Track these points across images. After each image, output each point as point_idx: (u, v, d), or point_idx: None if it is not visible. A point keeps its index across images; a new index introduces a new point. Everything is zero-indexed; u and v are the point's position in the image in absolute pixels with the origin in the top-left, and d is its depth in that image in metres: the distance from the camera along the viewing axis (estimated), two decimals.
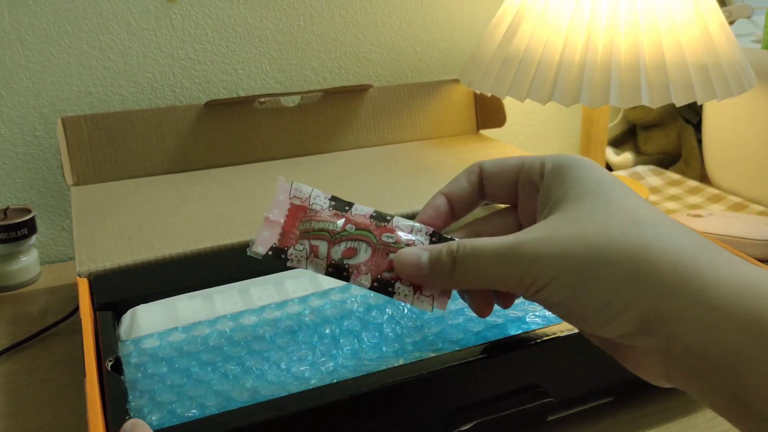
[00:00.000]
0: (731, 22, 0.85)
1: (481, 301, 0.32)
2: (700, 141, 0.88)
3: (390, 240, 0.32)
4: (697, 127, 0.91)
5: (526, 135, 0.90)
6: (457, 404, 0.35)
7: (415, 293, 0.31)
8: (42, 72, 0.63)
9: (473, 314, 0.33)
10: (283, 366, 0.35)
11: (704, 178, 0.87)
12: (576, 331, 0.35)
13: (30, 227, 0.58)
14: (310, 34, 0.73)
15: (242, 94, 0.72)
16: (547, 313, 0.39)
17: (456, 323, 0.39)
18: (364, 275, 0.31)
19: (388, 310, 0.39)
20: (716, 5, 0.61)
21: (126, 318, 0.39)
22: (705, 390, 0.25)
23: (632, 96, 0.56)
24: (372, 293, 0.34)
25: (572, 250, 0.26)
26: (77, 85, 0.65)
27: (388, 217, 0.33)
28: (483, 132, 0.75)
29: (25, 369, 0.48)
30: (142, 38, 0.66)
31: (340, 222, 0.32)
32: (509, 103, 0.77)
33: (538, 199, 0.31)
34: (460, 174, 0.34)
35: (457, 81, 0.73)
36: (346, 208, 0.33)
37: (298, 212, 0.32)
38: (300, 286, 0.42)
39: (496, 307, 0.33)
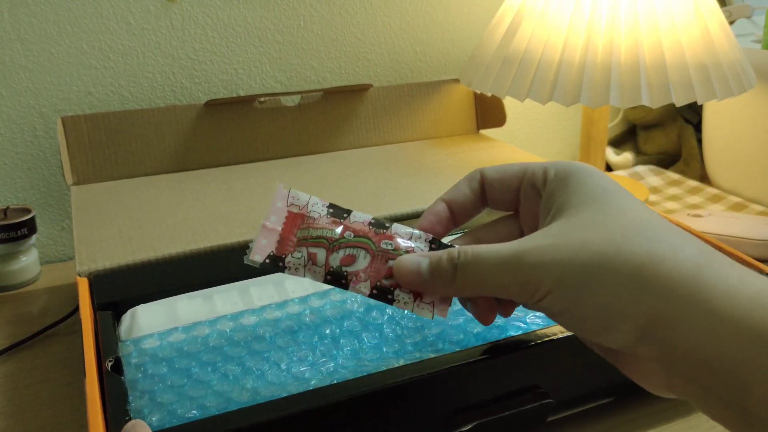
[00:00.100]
0: (731, 22, 0.85)
1: (484, 308, 0.31)
2: (700, 141, 0.88)
3: (389, 247, 0.32)
4: (697, 127, 0.91)
5: (526, 135, 0.90)
6: (457, 405, 0.35)
7: (415, 300, 0.31)
8: (42, 72, 0.63)
9: None
10: (283, 366, 0.35)
11: (704, 178, 0.87)
12: None
13: (30, 227, 0.58)
14: (310, 34, 0.73)
15: (242, 94, 0.72)
16: None
17: (456, 324, 0.39)
18: (363, 282, 0.31)
19: (389, 311, 0.39)
20: (716, 5, 0.61)
21: (126, 318, 0.39)
22: (708, 400, 0.25)
23: (632, 96, 0.56)
24: None
25: (577, 257, 0.26)
26: (77, 85, 0.65)
27: (387, 224, 0.33)
28: (483, 132, 0.75)
29: (25, 369, 0.48)
30: (142, 38, 0.66)
31: (339, 229, 0.32)
32: (509, 103, 0.77)
33: (541, 205, 0.31)
34: (461, 180, 0.34)
35: (457, 81, 0.73)
36: (344, 215, 0.33)
37: (296, 220, 0.32)
38: (300, 286, 0.42)
39: None
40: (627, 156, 0.91)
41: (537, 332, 0.36)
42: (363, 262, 0.31)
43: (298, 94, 0.67)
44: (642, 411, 0.41)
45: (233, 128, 0.64)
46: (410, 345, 0.37)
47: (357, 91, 0.69)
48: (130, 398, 0.32)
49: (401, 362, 0.35)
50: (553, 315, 0.28)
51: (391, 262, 0.31)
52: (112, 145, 0.60)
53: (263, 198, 0.55)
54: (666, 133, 0.93)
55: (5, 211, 0.59)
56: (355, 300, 0.40)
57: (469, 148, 0.69)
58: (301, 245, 0.32)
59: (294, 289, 0.42)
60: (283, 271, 0.31)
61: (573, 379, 0.38)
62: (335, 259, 0.31)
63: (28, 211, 0.59)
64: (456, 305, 0.39)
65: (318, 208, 0.33)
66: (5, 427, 0.42)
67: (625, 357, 0.27)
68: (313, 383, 0.34)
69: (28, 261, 0.60)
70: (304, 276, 0.31)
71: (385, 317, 0.39)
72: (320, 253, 0.31)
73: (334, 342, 0.37)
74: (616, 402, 0.41)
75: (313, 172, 0.62)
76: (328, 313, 0.39)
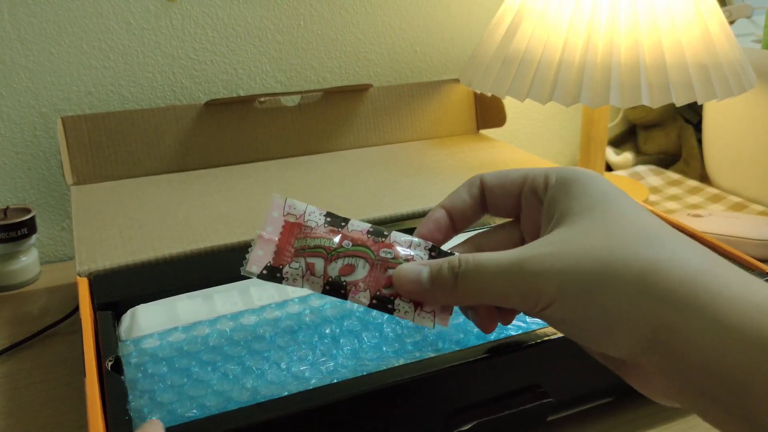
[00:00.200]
0: (731, 22, 0.85)
1: (485, 316, 0.31)
2: (700, 141, 0.88)
3: (388, 255, 0.31)
4: (697, 127, 0.91)
5: (526, 135, 0.90)
6: (457, 404, 0.35)
7: (415, 310, 0.31)
8: (42, 72, 0.63)
9: None
10: (283, 366, 0.35)
11: (704, 178, 0.87)
12: None
13: (30, 227, 0.58)
14: (310, 34, 0.73)
15: (242, 94, 0.72)
16: None
17: (456, 323, 0.39)
18: (362, 292, 0.31)
19: None
20: (716, 5, 0.61)
21: (126, 318, 0.39)
22: (712, 407, 0.24)
23: (632, 96, 0.56)
24: None
25: (579, 264, 0.26)
26: (77, 85, 0.65)
27: (386, 233, 0.32)
28: (483, 132, 0.75)
29: (25, 369, 0.48)
30: (142, 38, 0.66)
31: (337, 238, 0.31)
32: (509, 103, 0.77)
33: (542, 212, 0.30)
34: (461, 186, 0.34)
35: (457, 81, 0.73)
36: (342, 224, 0.32)
37: (293, 229, 0.32)
38: None
39: None
40: (627, 156, 0.91)
41: (537, 332, 0.36)
42: (362, 271, 0.31)
43: (298, 94, 0.67)
44: (642, 411, 0.41)
45: (233, 128, 0.64)
46: (410, 344, 0.37)
47: (357, 91, 0.69)
48: (130, 398, 0.32)
49: (401, 361, 0.35)
50: (555, 324, 0.27)
51: (390, 271, 0.31)
52: (112, 145, 0.60)
53: (263, 198, 0.55)
54: (666, 133, 0.93)
55: (5, 211, 0.59)
56: None
57: (469, 148, 0.69)
58: (298, 255, 0.31)
59: (294, 289, 0.42)
60: (280, 282, 0.31)
61: (573, 379, 0.38)
62: (334, 269, 0.31)
63: (28, 211, 0.59)
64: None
65: (315, 216, 0.32)
66: (5, 427, 0.42)
67: (630, 366, 0.27)
68: (313, 382, 0.34)
69: (28, 261, 0.60)
70: (302, 287, 0.31)
71: (385, 317, 0.39)
72: (318, 263, 0.31)
73: (334, 341, 0.37)
74: (616, 402, 0.41)
75: (313, 172, 0.62)
76: (328, 312, 0.39)
